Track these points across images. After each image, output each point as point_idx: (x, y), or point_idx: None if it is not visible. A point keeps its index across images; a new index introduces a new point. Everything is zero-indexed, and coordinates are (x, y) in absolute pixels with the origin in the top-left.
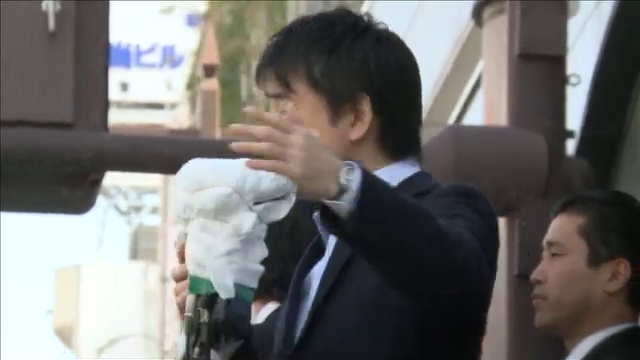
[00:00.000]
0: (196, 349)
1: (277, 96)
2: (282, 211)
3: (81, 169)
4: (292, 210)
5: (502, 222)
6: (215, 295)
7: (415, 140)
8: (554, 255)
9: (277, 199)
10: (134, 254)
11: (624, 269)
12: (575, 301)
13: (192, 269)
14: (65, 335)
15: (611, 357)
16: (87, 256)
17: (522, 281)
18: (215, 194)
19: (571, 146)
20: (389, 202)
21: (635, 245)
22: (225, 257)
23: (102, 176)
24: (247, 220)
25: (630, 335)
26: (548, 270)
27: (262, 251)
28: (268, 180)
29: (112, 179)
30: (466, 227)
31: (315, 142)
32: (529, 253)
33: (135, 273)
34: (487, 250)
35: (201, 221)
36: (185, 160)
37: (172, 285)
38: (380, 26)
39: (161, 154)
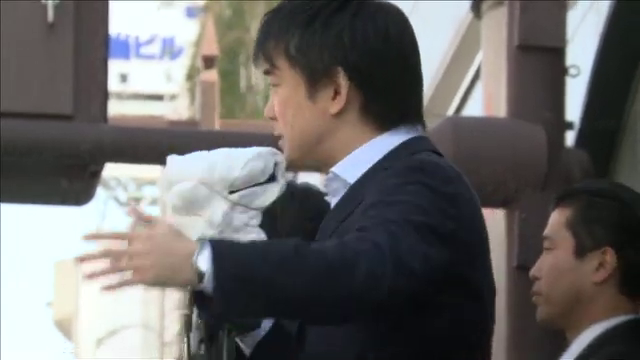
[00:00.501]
0: (201, 345)
1: (266, 73)
2: (269, 195)
3: (81, 161)
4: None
5: (501, 214)
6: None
7: (408, 109)
8: (546, 250)
9: (261, 183)
10: None
11: (610, 258)
12: (565, 294)
13: None
14: (65, 327)
15: (611, 348)
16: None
17: (521, 273)
18: (180, 189)
19: (570, 138)
20: (247, 271)
21: (620, 233)
22: None
23: (102, 168)
24: (217, 210)
25: (631, 326)
26: (542, 265)
27: (257, 237)
28: (239, 167)
29: (112, 170)
30: (395, 218)
31: (160, 239)
32: (528, 245)
33: None
34: (431, 226)
35: (176, 218)
36: (185, 151)
37: None
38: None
39: (160, 145)
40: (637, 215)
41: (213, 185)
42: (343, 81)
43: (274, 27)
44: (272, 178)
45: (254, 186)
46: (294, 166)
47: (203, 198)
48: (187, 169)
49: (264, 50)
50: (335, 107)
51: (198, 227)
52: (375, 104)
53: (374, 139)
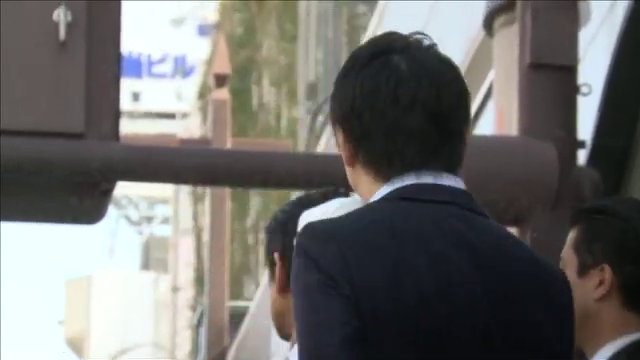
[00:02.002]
0: None
1: None
2: None
3: (92, 179)
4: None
5: (513, 231)
6: None
7: (387, 158)
8: None
9: None
10: (145, 264)
11: (608, 275)
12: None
13: None
14: (76, 345)
15: None
16: (98, 266)
17: None
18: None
19: (582, 156)
20: None
21: (618, 250)
22: None
23: (113, 186)
24: None
25: None
26: None
27: None
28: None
29: (123, 189)
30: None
31: None
32: None
33: (146, 283)
34: (303, 328)
35: None
36: (196, 170)
37: (183, 295)
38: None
39: (172, 164)
40: (635, 230)
41: None
42: (340, 136)
43: None
44: None
45: None
46: None
47: None
48: (306, 218)
49: None
50: (345, 161)
51: None
52: (361, 156)
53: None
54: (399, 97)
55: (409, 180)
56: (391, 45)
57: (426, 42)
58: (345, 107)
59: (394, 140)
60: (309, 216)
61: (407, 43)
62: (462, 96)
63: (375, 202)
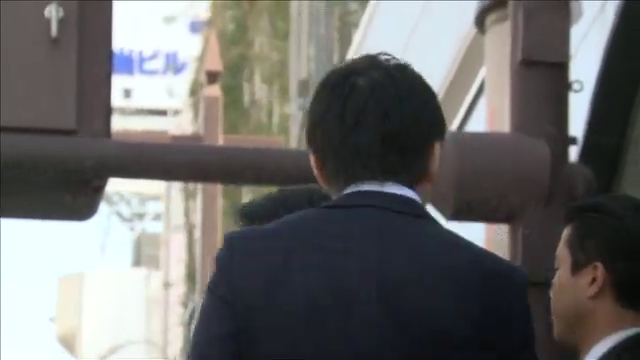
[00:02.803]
0: None
1: None
2: None
3: (84, 176)
4: None
5: (505, 229)
6: None
7: (336, 175)
8: (556, 269)
9: None
10: (137, 261)
11: (600, 272)
12: (567, 311)
13: None
14: (68, 342)
15: None
16: (90, 263)
17: None
18: None
19: (574, 153)
20: None
21: (609, 247)
22: None
23: (105, 183)
24: None
25: (638, 340)
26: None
27: None
28: None
29: (115, 186)
30: None
31: None
32: (531, 260)
33: (138, 280)
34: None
35: None
36: (188, 167)
37: (174, 291)
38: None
39: (164, 161)
40: (627, 228)
41: None
42: (312, 159)
43: None
44: None
45: None
46: None
47: None
48: None
49: None
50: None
51: None
52: (324, 175)
53: None
54: (346, 115)
55: (347, 190)
56: (356, 66)
57: (393, 62)
58: (307, 127)
59: (341, 156)
60: None
61: (371, 64)
62: (420, 114)
63: (302, 211)
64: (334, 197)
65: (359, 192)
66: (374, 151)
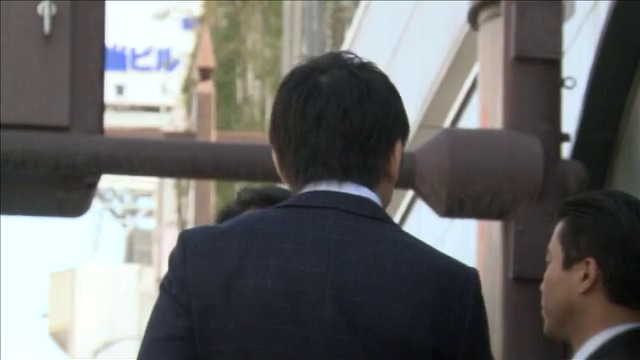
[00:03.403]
0: None
1: None
2: None
3: (77, 172)
4: None
5: (497, 225)
6: None
7: (295, 172)
8: (547, 263)
9: None
10: (129, 257)
11: (592, 268)
12: (558, 306)
13: None
14: (60, 338)
15: (609, 358)
16: (82, 259)
17: (517, 284)
18: None
19: (566, 149)
20: None
21: (601, 243)
22: None
23: (98, 179)
24: None
25: (630, 337)
26: (544, 279)
27: None
28: None
29: (108, 182)
30: None
31: None
32: (524, 256)
33: (130, 276)
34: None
35: None
36: (181, 163)
37: None
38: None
39: (157, 157)
40: (620, 223)
41: None
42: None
43: None
44: None
45: None
46: None
47: None
48: None
49: None
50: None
51: None
52: (283, 169)
53: None
54: (306, 114)
55: (305, 189)
56: (319, 64)
57: (356, 61)
58: (269, 125)
59: (301, 155)
60: None
61: (333, 62)
62: (382, 113)
63: (259, 211)
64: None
65: (315, 192)
66: (334, 150)
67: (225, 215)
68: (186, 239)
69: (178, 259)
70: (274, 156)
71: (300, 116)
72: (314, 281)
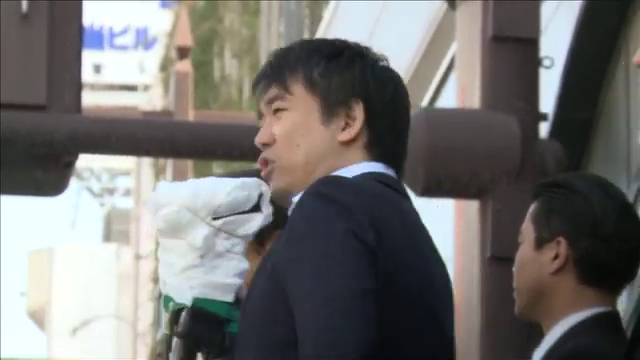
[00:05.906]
0: None
1: (272, 99)
2: (253, 224)
3: (54, 151)
4: None
5: (475, 204)
6: (180, 310)
7: (395, 153)
8: (520, 243)
9: (246, 212)
10: (107, 236)
11: (563, 248)
12: (528, 286)
13: (161, 287)
14: (38, 317)
15: (576, 341)
16: (60, 238)
17: (495, 263)
18: (165, 213)
19: (544, 129)
20: None
21: (573, 223)
22: (183, 273)
23: (75, 158)
24: (199, 235)
25: (599, 319)
26: (516, 259)
27: (239, 264)
28: (223, 194)
29: (85, 161)
30: (305, 310)
31: None
32: (502, 235)
33: (108, 255)
34: (338, 286)
35: (162, 240)
36: (158, 142)
37: (144, 267)
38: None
39: (134, 136)
40: (591, 205)
41: (197, 211)
42: (359, 114)
43: (291, 56)
44: (257, 208)
45: (238, 214)
46: (287, 192)
47: (186, 222)
48: (173, 194)
49: (277, 76)
50: (344, 136)
51: (181, 250)
52: (379, 142)
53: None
54: (397, 97)
55: (379, 168)
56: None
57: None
58: (380, 91)
59: (405, 137)
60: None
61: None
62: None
63: (364, 179)
64: (365, 163)
65: (387, 175)
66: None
67: None
68: (358, 186)
69: (364, 205)
70: (365, 126)
71: (406, 105)
72: (432, 263)
